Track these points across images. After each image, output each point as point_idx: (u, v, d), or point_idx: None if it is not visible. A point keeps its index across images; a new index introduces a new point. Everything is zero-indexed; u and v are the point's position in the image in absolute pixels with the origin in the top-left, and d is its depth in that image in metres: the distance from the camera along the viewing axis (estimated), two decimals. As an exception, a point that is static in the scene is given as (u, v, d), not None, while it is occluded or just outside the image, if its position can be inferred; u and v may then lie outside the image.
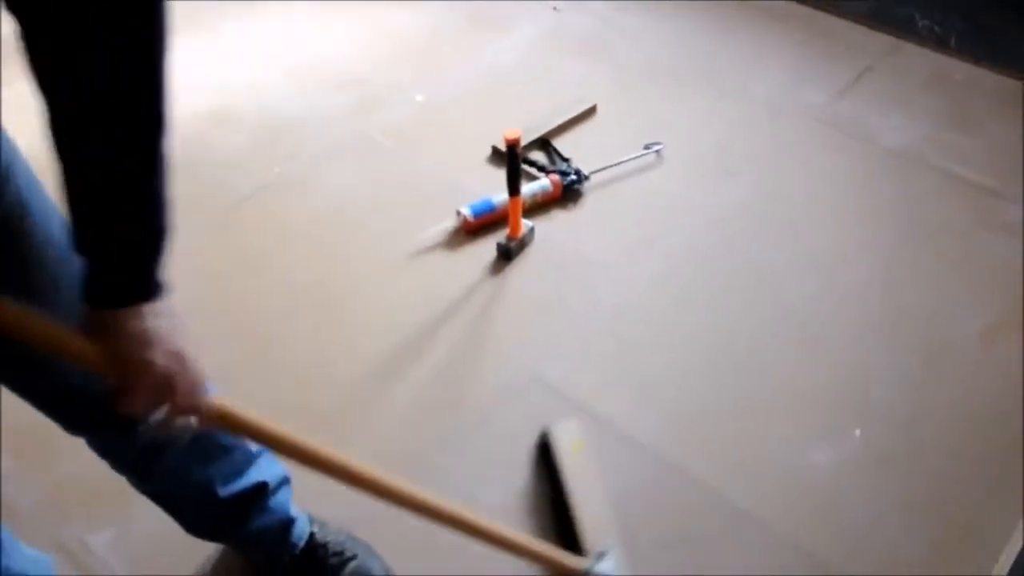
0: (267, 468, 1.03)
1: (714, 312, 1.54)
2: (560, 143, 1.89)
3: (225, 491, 0.98)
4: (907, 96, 2.02)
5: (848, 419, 1.38)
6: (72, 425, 0.87)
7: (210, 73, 2.09)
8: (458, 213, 1.69)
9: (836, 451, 1.34)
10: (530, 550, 1.03)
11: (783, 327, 1.52)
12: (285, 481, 1.07)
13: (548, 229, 1.69)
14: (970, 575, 1.19)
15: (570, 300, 1.56)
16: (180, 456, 0.92)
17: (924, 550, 1.21)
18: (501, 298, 1.56)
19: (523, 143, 1.82)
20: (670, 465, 1.31)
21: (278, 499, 1.06)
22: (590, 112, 1.96)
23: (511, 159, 1.53)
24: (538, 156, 1.86)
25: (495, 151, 1.85)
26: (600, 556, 1.13)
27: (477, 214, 1.68)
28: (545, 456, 1.30)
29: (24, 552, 1.04)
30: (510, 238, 1.64)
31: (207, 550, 1.18)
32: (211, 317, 1.51)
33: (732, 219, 1.72)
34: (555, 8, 2.28)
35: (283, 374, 1.43)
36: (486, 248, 1.65)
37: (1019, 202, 1.75)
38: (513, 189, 1.57)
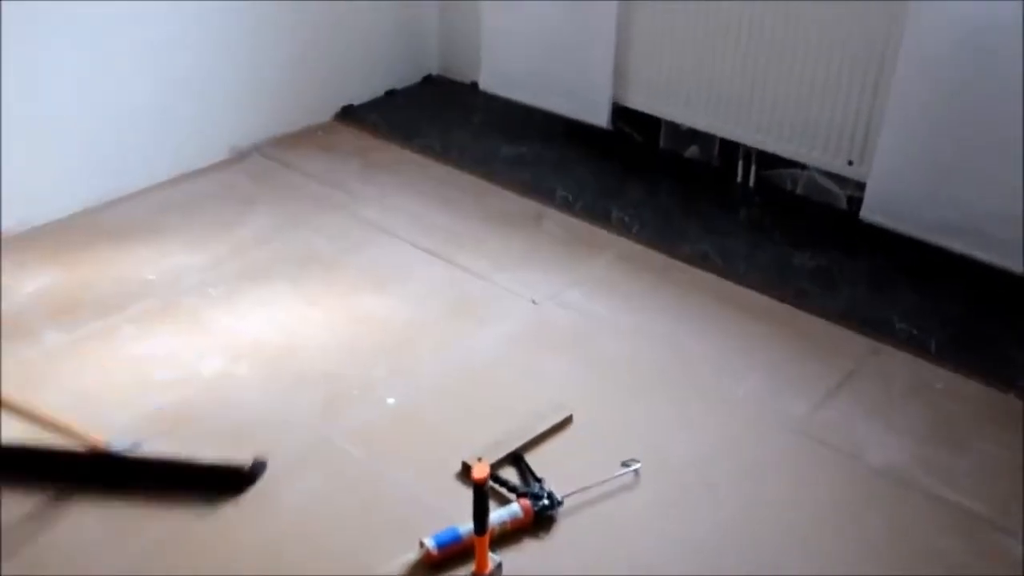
0: None
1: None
2: (534, 457, 1.83)
3: None
4: (890, 405, 2.00)
5: None
6: None
7: (179, 366, 2.06)
8: (421, 544, 1.61)
9: None
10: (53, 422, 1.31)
11: None
12: None
13: (518, 562, 1.61)
14: None
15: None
16: None
17: None
18: (463, 650, 1.46)
19: (495, 458, 1.78)
20: None
21: None
22: (566, 422, 1.92)
23: (478, 498, 1.47)
24: (509, 473, 1.80)
25: (465, 467, 1.80)
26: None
27: (441, 545, 1.60)
28: None
29: None
30: (476, 575, 1.55)
31: None
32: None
33: (713, 545, 1.65)
34: (534, 302, 2.29)
35: None
36: (450, 586, 1.56)
37: (1019, 535, 1.67)
38: (480, 528, 1.50)
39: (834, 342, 2.17)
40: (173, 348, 2.11)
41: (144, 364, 2.06)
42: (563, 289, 2.35)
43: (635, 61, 2.77)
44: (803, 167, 2.67)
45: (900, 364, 2.12)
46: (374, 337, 2.16)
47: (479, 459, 1.76)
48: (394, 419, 1.93)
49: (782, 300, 2.31)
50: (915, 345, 2.16)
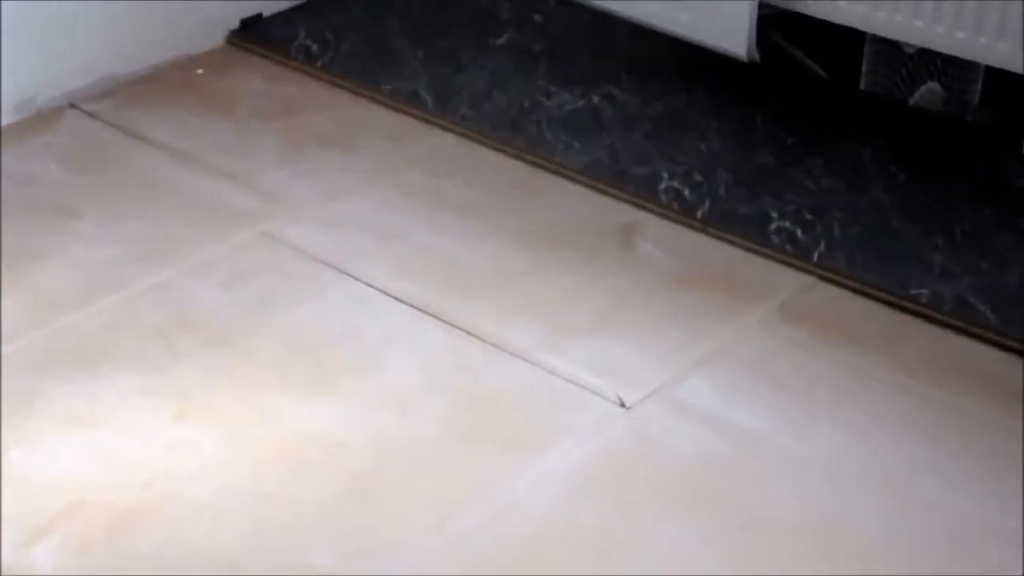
0: None
1: None
2: None
3: None
4: None
5: None
6: None
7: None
8: None
9: None
10: None
11: None
12: None
13: None
14: None
15: None
16: None
17: None
18: None
19: None
20: None
21: None
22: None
23: None
24: None
25: None
26: None
27: None
28: None
29: None
30: None
31: None
32: None
33: None
34: (623, 404, 2.19)
35: None
36: None
37: None
38: None
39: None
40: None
41: None
42: (679, 377, 2.26)
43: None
44: None
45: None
46: (312, 486, 2.06)
47: None
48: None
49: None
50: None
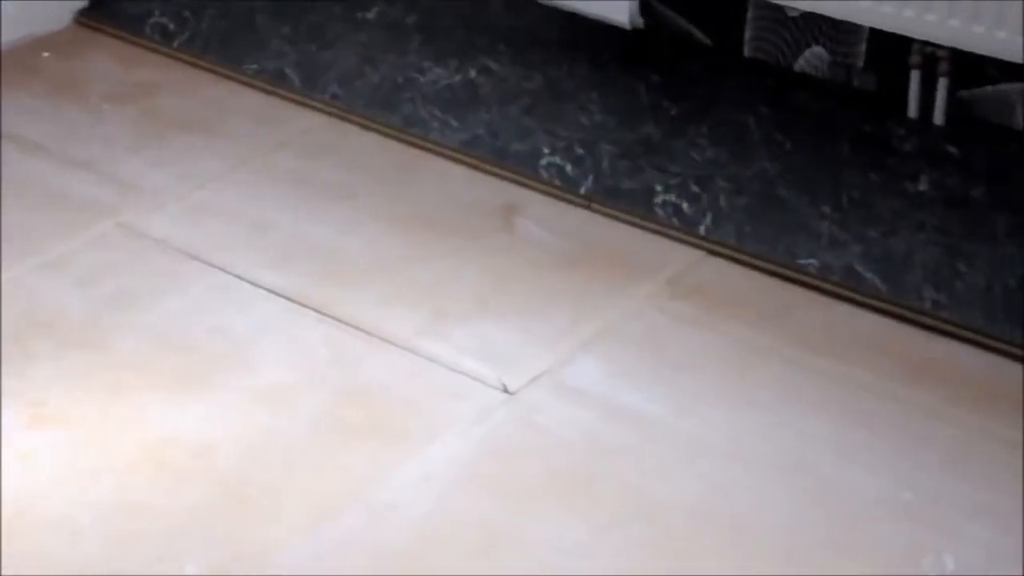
0: None
1: None
2: None
3: None
4: None
5: None
6: None
7: None
8: None
9: None
10: None
11: None
12: None
13: None
14: None
15: None
16: None
17: None
18: None
19: None
20: None
21: None
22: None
23: None
24: None
25: None
26: None
27: None
28: None
29: None
30: None
31: None
32: None
33: None
34: (506, 389, 2.17)
35: None
36: None
37: None
38: None
39: None
40: None
41: None
42: (565, 360, 2.23)
43: None
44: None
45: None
46: (179, 493, 2.01)
47: None
48: None
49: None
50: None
